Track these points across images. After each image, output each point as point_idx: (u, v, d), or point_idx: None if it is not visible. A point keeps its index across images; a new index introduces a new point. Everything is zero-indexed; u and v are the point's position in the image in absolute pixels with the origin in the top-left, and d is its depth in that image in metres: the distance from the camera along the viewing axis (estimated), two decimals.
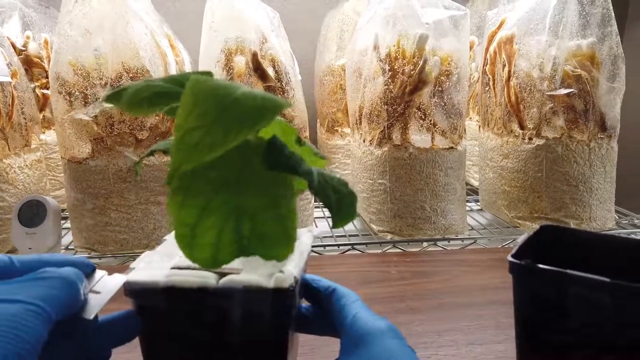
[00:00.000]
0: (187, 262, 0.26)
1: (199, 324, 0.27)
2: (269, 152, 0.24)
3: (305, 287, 0.31)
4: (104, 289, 0.25)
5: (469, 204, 0.92)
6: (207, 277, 0.26)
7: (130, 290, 0.26)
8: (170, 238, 0.33)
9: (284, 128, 0.31)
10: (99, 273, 0.26)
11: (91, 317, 0.24)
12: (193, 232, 0.24)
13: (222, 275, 0.26)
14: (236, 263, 0.26)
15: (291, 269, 0.27)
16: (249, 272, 0.26)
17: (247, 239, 0.24)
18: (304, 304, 0.33)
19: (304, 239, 0.32)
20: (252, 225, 0.24)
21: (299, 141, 0.30)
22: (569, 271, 0.30)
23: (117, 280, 0.26)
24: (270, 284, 0.25)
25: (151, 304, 0.27)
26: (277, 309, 0.26)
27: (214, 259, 0.24)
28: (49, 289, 0.21)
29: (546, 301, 0.31)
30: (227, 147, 0.21)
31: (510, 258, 0.32)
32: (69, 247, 0.73)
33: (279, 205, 0.25)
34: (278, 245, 0.25)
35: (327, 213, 0.89)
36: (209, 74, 0.27)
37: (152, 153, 0.27)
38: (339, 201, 0.25)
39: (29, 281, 0.21)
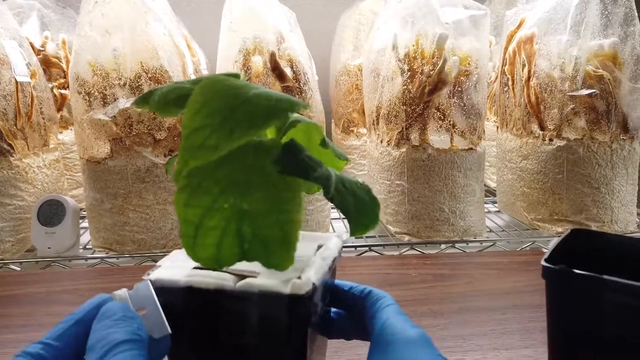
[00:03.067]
0: None
1: (216, 325, 0.26)
2: (283, 155, 0.24)
3: (336, 293, 0.31)
4: (143, 303, 0.25)
5: (486, 205, 0.91)
6: (225, 279, 0.26)
7: (154, 288, 0.26)
8: None
9: (312, 129, 0.30)
10: (121, 293, 0.25)
11: (166, 332, 0.24)
12: (196, 231, 0.23)
13: (242, 277, 0.26)
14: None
15: (310, 275, 0.26)
16: (268, 275, 0.26)
17: (249, 243, 0.24)
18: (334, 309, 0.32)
19: (331, 244, 0.31)
20: (253, 230, 0.24)
21: (324, 143, 0.29)
22: (605, 276, 0.29)
23: (145, 288, 0.25)
24: (286, 289, 0.25)
25: (172, 302, 0.26)
26: (294, 315, 0.25)
27: (216, 259, 0.24)
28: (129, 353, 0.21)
29: (580, 306, 0.31)
30: (231, 148, 0.21)
31: (544, 263, 0.31)
32: (87, 247, 0.74)
33: (282, 212, 0.24)
34: (278, 253, 0.24)
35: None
36: (235, 75, 0.26)
37: None
38: (358, 208, 0.25)
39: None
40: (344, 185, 0.25)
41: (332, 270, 0.30)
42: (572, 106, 0.73)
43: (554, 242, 0.35)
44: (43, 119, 0.75)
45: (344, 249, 0.73)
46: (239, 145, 0.22)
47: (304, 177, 0.24)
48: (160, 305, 0.27)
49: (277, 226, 0.24)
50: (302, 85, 0.70)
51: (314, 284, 0.25)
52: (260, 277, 0.26)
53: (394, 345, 0.25)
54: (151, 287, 0.25)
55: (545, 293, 0.33)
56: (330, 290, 0.31)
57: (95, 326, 0.23)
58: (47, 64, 0.86)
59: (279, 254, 0.24)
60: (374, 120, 0.79)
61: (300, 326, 0.26)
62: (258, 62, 0.69)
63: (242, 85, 0.23)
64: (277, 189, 0.24)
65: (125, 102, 0.65)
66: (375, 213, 0.26)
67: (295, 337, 0.26)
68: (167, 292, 0.26)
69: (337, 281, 0.32)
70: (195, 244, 0.24)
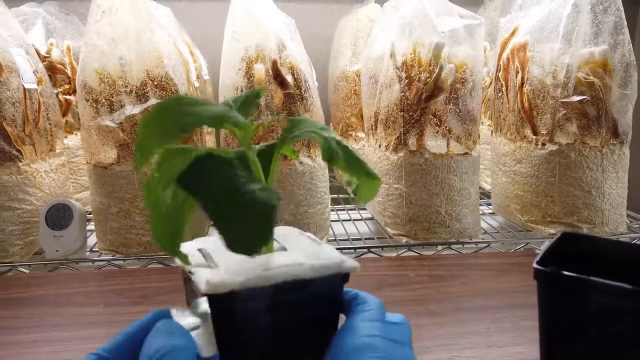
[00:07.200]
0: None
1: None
2: (186, 168, 0.26)
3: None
4: (197, 320, 0.26)
5: (480, 207, 0.94)
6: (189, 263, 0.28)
7: None
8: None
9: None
10: (178, 310, 0.27)
11: (212, 352, 0.25)
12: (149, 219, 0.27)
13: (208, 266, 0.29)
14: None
15: (233, 278, 0.27)
16: (228, 268, 0.28)
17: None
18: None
19: (324, 255, 0.30)
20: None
21: (327, 158, 0.30)
22: (592, 278, 0.32)
23: (202, 306, 0.27)
24: (204, 286, 0.26)
25: None
26: (214, 312, 0.27)
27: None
28: None
29: (570, 307, 0.33)
30: (152, 155, 0.26)
31: (535, 265, 0.33)
32: (94, 249, 0.75)
33: (169, 218, 0.26)
34: (169, 252, 0.27)
35: (342, 216, 0.90)
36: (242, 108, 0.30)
37: None
38: (243, 226, 0.25)
39: None
40: (240, 200, 0.25)
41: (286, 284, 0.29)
42: (563, 112, 0.75)
43: (546, 245, 0.37)
44: (49, 124, 0.76)
45: (343, 251, 0.75)
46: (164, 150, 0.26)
47: (189, 191, 0.26)
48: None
49: (165, 230, 0.27)
50: (303, 92, 0.72)
51: (232, 289, 0.26)
52: (210, 269, 0.28)
53: (340, 351, 0.26)
54: (207, 306, 0.27)
55: (537, 293, 0.35)
56: (309, 300, 0.30)
57: (147, 339, 0.25)
58: (53, 70, 0.87)
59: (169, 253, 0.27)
60: (372, 126, 0.82)
61: (221, 324, 0.27)
62: (260, 70, 0.71)
63: (190, 103, 0.27)
64: (175, 197, 0.27)
65: (131, 108, 0.67)
66: (262, 234, 0.26)
67: (221, 335, 0.27)
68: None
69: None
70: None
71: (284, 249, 0.32)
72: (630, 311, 0.30)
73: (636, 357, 0.31)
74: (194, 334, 0.26)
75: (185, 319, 0.27)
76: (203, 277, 0.27)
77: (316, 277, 0.29)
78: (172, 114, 0.26)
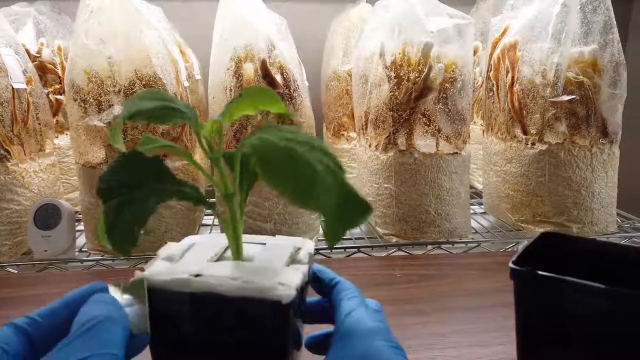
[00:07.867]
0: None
1: None
2: (112, 164, 0.28)
3: (313, 280, 0.33)
4: (132, 299, 0.27)
5: (472, 207, 0.94)
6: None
7: None
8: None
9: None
10: (115, 285, 0.28)
11: (143, 330, 0.26)
12: None
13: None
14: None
15: (160, 276, 0.28)
16: (181, 265, 0.30)
17: None
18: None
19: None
20: None
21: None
22: (567, 278, 0.32)
23: (139, 285, 0.27)
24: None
25: None
26: (149, 302, 0.28)
27: None
28: (106, 334, 0.23)
29: (545, 306, 0.33)
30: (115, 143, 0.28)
31: (511, 265, 0.33)
32: (83, 249, 0.75)
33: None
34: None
35: None
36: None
37: None
38: (121, 227, 0.27)
39: (83, 336, 0.23)
40: (124, 200, 0.27)
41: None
42: (553, 111, 0.75)
43: (523, 245, 0.37)
44: (39, 124, 0.76)
45: (333, 250, 0.75)
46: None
47: (98, 184, 0.28)
48: None
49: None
50: (292, 91, 0.72)
51: (159, 287, 0.28)
52: (169, 265, 0.30)
53: (352, 334, 0.28)
54: (145, 285, 0.27)
55: (513, 293, 0.35)
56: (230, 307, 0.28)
57: (82, 308, 0.25)
58: (43, 70, 0.87)
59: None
60: (362, 125, 0.82)
61: (153, 315, 0.28)
62: (249, 69, 0.71)
63: (157, 97, 0.29)
64: None
65: (120, 108, 0.66)
66: (128, 236, 0.27)
67: (152, 323, 0.28)
68: None
69: (314, 266, 0.34)
70: None
71: (251, 259, 0.31)
72: (605, 311, 0.30)
73: (611, 357, 0.31)
74: (127, 310, 0.26)
75: (121, 295, 0.27)
76: (147, 268, 0.29)
77: (237, 296, 0.27)
78: (127, 107, 0.28)
